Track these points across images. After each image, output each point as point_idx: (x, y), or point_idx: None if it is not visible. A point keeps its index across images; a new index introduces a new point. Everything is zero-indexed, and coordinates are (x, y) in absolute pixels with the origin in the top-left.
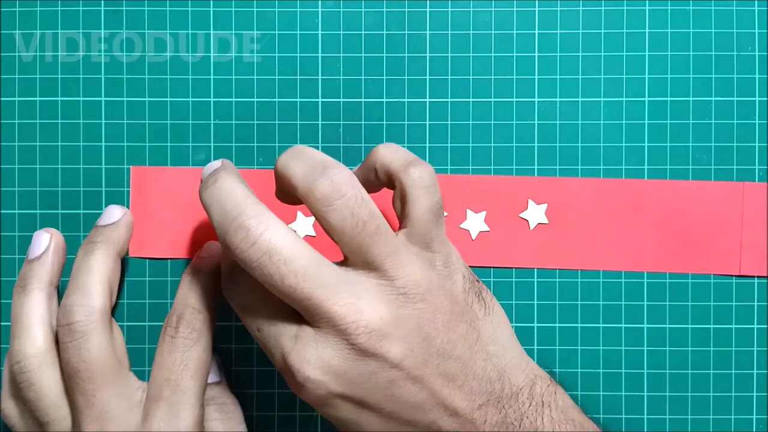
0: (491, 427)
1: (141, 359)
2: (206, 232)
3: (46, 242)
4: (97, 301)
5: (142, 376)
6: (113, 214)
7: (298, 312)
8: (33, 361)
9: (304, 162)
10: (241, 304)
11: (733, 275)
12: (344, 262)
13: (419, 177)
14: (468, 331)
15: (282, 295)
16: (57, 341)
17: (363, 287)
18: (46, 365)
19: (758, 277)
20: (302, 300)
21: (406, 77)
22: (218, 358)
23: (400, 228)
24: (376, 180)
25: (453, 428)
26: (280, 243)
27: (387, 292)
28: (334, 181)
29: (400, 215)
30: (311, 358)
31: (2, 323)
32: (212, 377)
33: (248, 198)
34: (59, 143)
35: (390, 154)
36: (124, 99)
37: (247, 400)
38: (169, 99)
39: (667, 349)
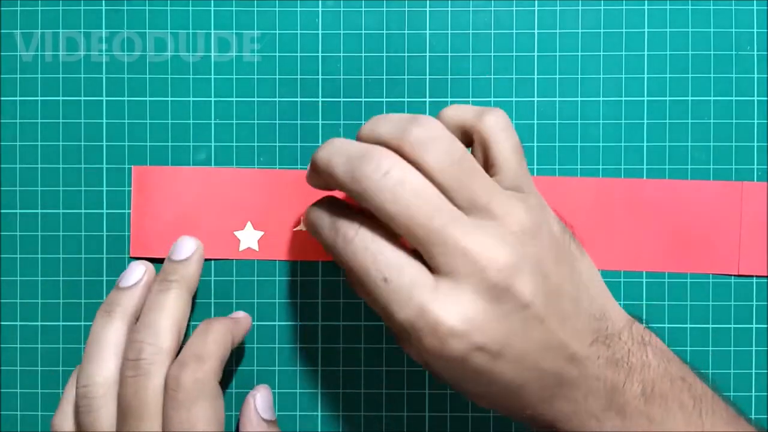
0: (604, 362)
1: None
2: (206, 233)
3: (139, 275)
4: (165, 342)
5: None
6: (186, 247)
7: (422, 258)
8: (99, 390)
9: (390, 121)
10: (361, 249)
11: (731, 275)
12: None
13: (496, 121)
14: (571, 271)
15: (413, 228)
16: None
17: (487, 230)
18: (110, 396)
19: (757, 276)
20: (435, 233)
21: (406, 77)
22: (270, 394)
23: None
24: None
25: (571, 371)
26: (412, 175)
27: (502, 232)
28: (425, 125)
29: (485, 166)
30: (454, 308)
31: (2, 323)
32: (269, 414)
33: (368, 144)
34: (60, 143)
35: (459, 111)
36: (125, 99)
37: None
38: (169, 99)
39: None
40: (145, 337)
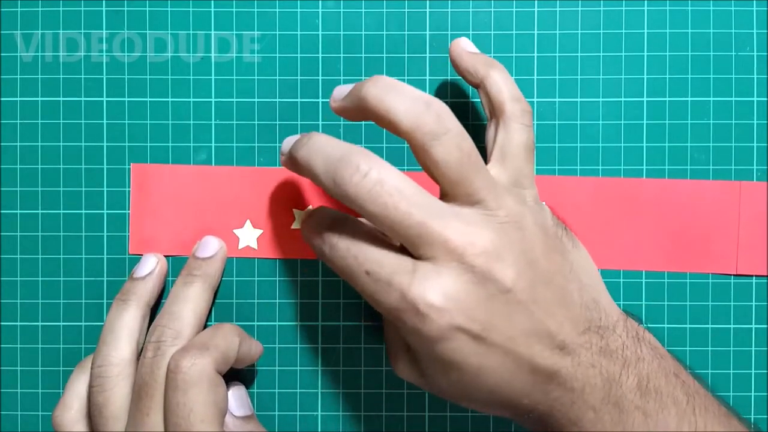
0: (597, 351)
1: None
2: (205, 231)
3: (152, 266)
4: (186, 329)
5: None
6: (210, 246)
7: (406, 250)
8: (113, 369)
9: (403, 96)
10: (344, 251)
11: (730, 274)
12: (443, 199)
13: (522, 113)
14: (562, 261)
15: (394, 225)
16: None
17: (469, 217)
18: (123, 376)
19: (756, 276)
20: (415, 227)
21: (406, 77)
22: (244, 390)
23: (488, 162)
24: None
25: (563, 360)
26: (390, 174)
27: (491, 221)
28: (441, 116)
29: (492, 147)
30: (433, 286)
31: (2, 323)
32: (243, 411)
33: (348, 143)
34: (61, 143)
35: (505, 82)
36: (125, 99)
37: None
38: (170, 99)
39: (666, 348)
40: (167, 323)
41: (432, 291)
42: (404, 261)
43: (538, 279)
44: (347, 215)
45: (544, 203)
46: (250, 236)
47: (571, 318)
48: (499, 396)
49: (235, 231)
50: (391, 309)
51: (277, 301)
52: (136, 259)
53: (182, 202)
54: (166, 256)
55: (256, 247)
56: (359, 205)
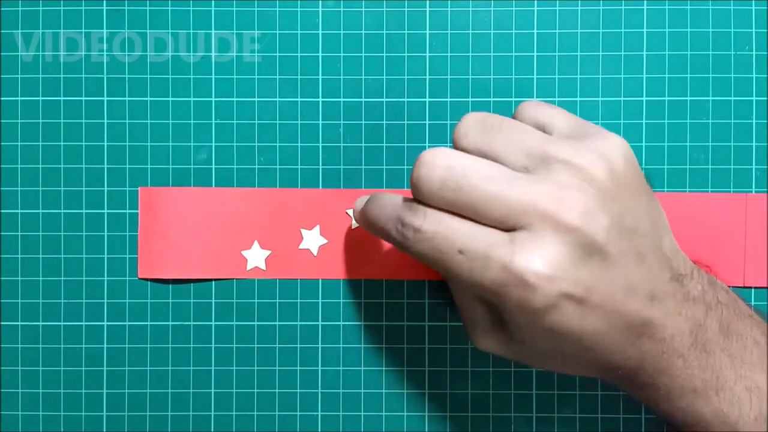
0: (681, 299)
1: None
2: (213, 253)
3: None
4: None
5: (143, 384)
6: None
7: (497, 226)
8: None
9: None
10: (431, 234)
11: (738, 287)
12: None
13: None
14: (647, 207)
15: (477, 203)
16: None
17: (550, 177)
18: None
19: (765, 288)
20: (500, 198)
21: (405, 77)
22: None
23: None
24: None
25: (653, 310)
26: (453, 157)
27: (569, 177)
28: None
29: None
30: (537, 255)
31: (3, 323)
32: None
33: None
34: (61, 143)
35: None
36: (126, 99)
37: (248, 400)
38: (170, 99)
39: None
40: None
41: (537, 260)
42: (498, 234)
43: (628, 229)
44: (415, 198)
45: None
46: (258, 257)
47: (658, 266)
48: (593, 355)
49: (244, 252)
50: (492, 285)
51: (278, 301)
52: (137, 259)
53: (190, 225)
54: (172, 280)
55: (264, 268)
56: (435, 196)
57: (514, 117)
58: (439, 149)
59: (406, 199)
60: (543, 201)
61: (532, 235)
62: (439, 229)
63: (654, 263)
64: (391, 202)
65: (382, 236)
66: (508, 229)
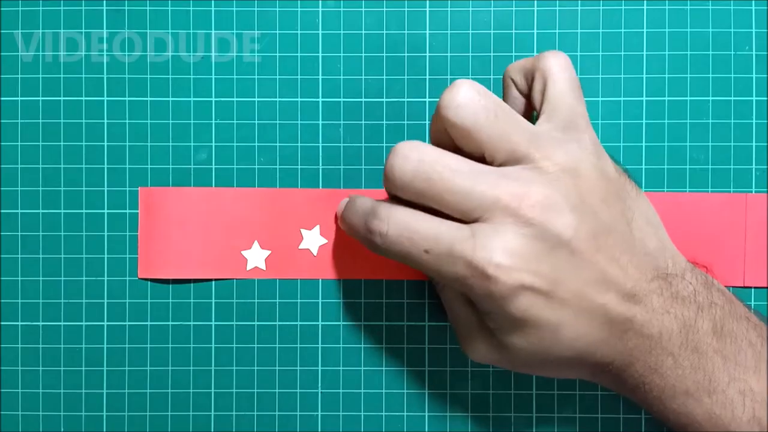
0: (669, 297)
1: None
2: (213, 253)
3: None
4: None
5: (143, 384)
6: None
7: (460, 220)
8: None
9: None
10: (396, 237)
11: (738, 287)
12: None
13: (555, 60)
14: (624, 208)
15: (443, 196)
16: None
17: (515, 174)
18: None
19: (765, 288)
20: (465, 192)
21: (405, 77)
22: None
23: (539, 118)
24: (516, 92)
25: (634, 308)
26: (427, 150)
27: (541, 175)
28: (456, 88)
29: (539, 100)
30: (495, 246)
31: (3, 323)
32: None
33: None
34: (61, 143)
35: (522, 60)
36: (126, 99)
37: (247, 400)
38: (170, 99)
39: None
40: None
41: (495, 251)
42: (460, 229)
43: (599, 227)
44: (385, 200)
45: (602, 148)
46: (258, 257)
47: (638, 265)
48: (578, 351)
49: (244, 252)
50: (458, 279)
51: (278, 300)
52: (137, 259)
53: (190, 225)
54: (172, 280)
55: (264, 268)
56: (406, 187)
57: (534, 63)
58: (414, 142)
59: (374, 203)
60: (506, 196)
61: (493, 227)
62: (404, 232)
63: (633, 263)
64: (361, 207)
65: (359, 240)
66: (473, 221)
